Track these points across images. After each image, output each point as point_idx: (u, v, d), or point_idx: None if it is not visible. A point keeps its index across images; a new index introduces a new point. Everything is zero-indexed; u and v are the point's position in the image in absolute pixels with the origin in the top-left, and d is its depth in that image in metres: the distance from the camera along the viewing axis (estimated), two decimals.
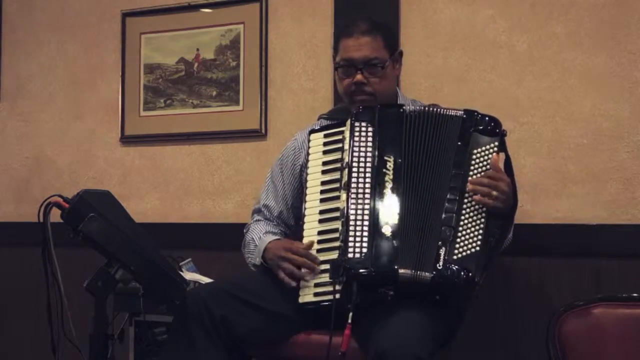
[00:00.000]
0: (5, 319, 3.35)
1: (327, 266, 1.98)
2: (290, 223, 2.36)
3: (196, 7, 3.09)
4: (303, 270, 2.05)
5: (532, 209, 2.51)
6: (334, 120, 2.27)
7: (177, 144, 3.12)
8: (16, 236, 3.26)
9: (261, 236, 2.26)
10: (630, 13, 2.46)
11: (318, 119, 2.40)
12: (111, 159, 3.24)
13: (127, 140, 3.21)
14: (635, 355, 2.00)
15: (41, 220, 1.89)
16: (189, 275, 2.43)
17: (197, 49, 3.09)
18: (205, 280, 2.44)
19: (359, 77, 2.20)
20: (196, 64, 3.10)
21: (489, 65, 2.63)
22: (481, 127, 2.04)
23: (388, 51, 2.24)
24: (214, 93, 3.06)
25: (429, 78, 2.70)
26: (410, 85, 2.70)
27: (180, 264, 2.57)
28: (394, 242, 1.94)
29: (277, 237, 2.26)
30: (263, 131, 2.95)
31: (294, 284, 2.06)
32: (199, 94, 3.08)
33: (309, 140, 2.18)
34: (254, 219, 2.39)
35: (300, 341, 2.08)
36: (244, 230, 2.38)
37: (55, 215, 1.91)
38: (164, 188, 3.14)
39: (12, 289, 3.32)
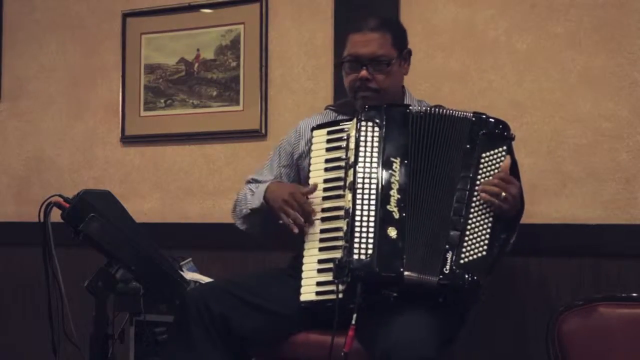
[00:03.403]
0: (5, 319, 3.35)
1: (330, 265, 1.97)
2: None
3: (196, 8, 3.09)
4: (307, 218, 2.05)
5: (532, 209, 2.50)
6: (341, 113, 2.27)
7: (177, 144, 3.12)
8: (16, 236, 3.26)
9: (258, 185, 2.27)
10: (630, 13, 2.46)
11: (325, 109, 2.40)
12: (111, 159, 3.24)
13: (128, 140, 3.21)
14: (636, 355, 2.00)
15: (42, 220, 1.90)
16: (189, 275, 2.43)
17: (198, 49, 3.09)
18: (206, 280, 2.43)
19: (363, 72, 2.19)
20: (196, 64, 3.10)
21: (489, 65, 2.63)
22: (490, 131, 2.03)
23: (396, 49, 2.22)
24: (214, 93, 3.06)
25: (429, 78, 2.70)
26: (411, 85, 2.68)
27: (181, 263, 2.57)
28: (400, 244, 1.93)
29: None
30: (263, 131, 2.95)
31: (296, 230, 2.06)
32: (199, 94, 3.09)
33: (312, 137, 2.17)
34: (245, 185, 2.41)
35: (300, 341, 2.08)
36: (236, 194, 2.39)
37: (56, 215, 1.91)
38: (164, 188, 3.14)
39: (13, 289, 3.33)
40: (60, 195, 1.93)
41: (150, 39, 3.18)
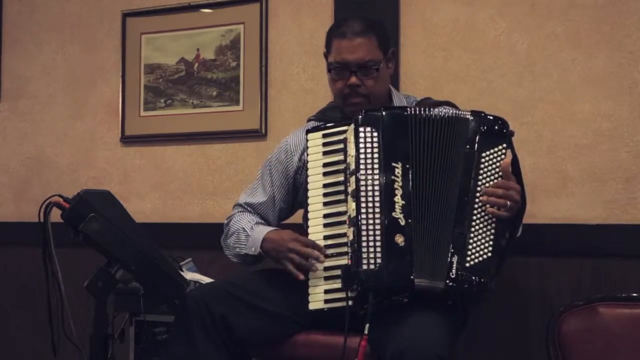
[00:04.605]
0: (5, 319, 3.35)
1: (336, 272, 1.96)
2: (272, 223, 2.32)
3: (196, 7, 3.09)
4: (311, 261, 2.02)
5: (532, 209, 2.49)
6: (323, 121, 2.23)
7: (177, 144, 3.12)
8: (16, 236, 3.26)
9: (253, 226, 2.22)
10: (630, 13, 2.46)
11: (307, 121, 2.37)
12: (111, 159, 3.24)
13: (128, 140, 3.21)
14: (636, 355, 2.00)
15: (41, 220, 1.90)
16: (189, 275, 2.43)
17: (198, 49, 3.09)
18: (206, 280, 2.44)
19: (353, 79, 2.15)
20: (196, 64, 3.10)
21: (489, 65, 2.63)
22: (489, 129, 2.00)
23: (382, 51, 2.19)
24: (214, 93, 3.06)
25: (429, 78, 2.70)
26: (411, 85, 2.70)
27: (181, 264, 2.57)
28: (408, 251, 1.91)
29: (272, 227, 2.23)
30: (263, 131, 2.95)
31: (302, 277, 2.03)
32: (199, 94, 3.09)
33: (306, 140, 2.13)
34: (237, 211, 2.35)
35: (300, 341, 2.08)
36: (225, 222, 2.34)
37: (56, 215, 1.91)
38: (164, 188, 3.14)
39: (12, 289, 3.33)
40: (60, 195, 1.93)
41: (150, 38, 3.18)
